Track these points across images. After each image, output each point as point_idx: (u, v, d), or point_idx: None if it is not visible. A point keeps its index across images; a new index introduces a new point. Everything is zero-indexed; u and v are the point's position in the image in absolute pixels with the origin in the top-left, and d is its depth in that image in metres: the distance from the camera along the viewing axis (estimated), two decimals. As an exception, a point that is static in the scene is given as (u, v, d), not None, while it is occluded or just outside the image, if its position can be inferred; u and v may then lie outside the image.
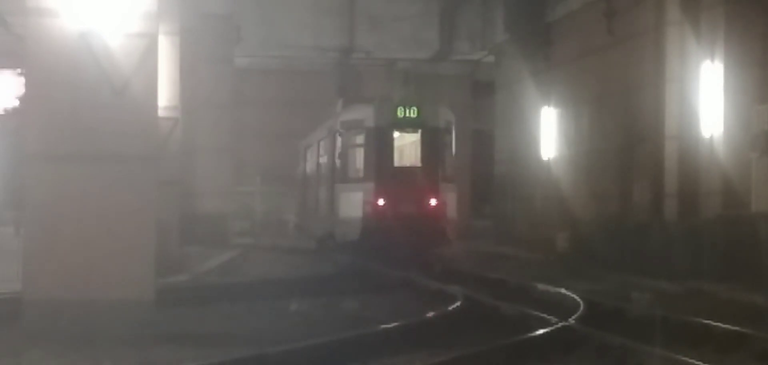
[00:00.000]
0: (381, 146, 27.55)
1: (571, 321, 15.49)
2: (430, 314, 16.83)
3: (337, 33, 41.53)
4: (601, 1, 29.55)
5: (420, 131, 27.77)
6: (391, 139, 27.77)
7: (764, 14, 23.23)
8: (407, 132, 28.11)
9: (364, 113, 28.31)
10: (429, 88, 48.47)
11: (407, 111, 27.70)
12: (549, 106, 34.25)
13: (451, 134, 28.62)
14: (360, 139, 28.26)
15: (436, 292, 20.78)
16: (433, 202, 27.14)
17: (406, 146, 28.80)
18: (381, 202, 27.03)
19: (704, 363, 12.15)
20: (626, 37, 28.25)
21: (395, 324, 15.17)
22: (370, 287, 22.52)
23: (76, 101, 14.11)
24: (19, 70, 34.13)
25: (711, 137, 24.38)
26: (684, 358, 12.33)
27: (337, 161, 28.98)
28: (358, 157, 28.48)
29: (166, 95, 21.72)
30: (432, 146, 27.63)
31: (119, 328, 13.84)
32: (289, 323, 16.83)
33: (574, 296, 18.70)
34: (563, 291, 19.76)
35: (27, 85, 14.63)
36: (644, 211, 26.60)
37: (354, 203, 27.67)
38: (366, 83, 50.19)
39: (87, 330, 13.74)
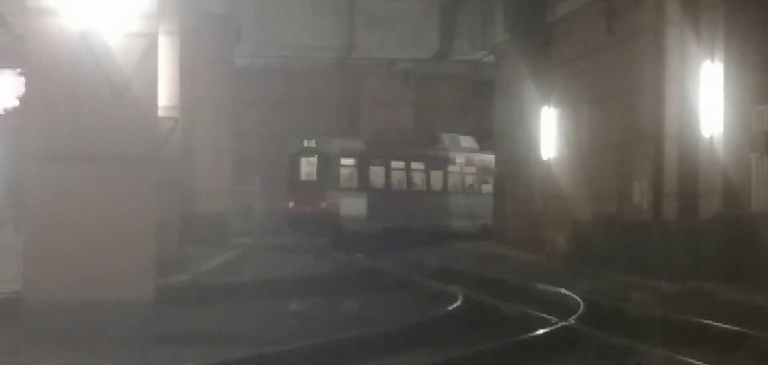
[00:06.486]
0: (292, 167, 39.48)
1: (571, 320, 15.51)
2: (430, 314, 16.83)
3: (337, 33, 41.48)
4: (601, 1, 29.53)
5: (316, 156, 38.85)
6: (298, 161, 39.36)
7: (764, 14, 23.20)
8: (309, 157, 39.16)
9: (290, 144, 40.09)
10: (429, 88, 48.51)
11: (308, 142, 39.21)
12: (549, 106, 34.24)
13: (347, 157, 39.26)
14: (288, 161, 39.94)
15: (437, 292, 20.79)
16: (322, 204, 38.14)
17: (310, 167, 39.55)
18: (291, 204, 39.07)
19: (704, 363, 12.15)
20: (626, 37, 28.23)
21: (395, 324, 15.16)
22: (370, 287, 22.54)
23: (76, 101, 14.10)
24: (19, 70, 34.11)
25: (711, 137, 24.38)
26: (684, 358, 12.34)
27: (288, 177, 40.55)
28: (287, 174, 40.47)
29: (166, 95, 21.73)
30: (325, 166, 38.66)
31: (119, 328, 13.84)
32: (289, 323, 16.84)
33: (574, 296, 18.71)
34: (563, 290, 19.77)
35: (27, 85, 14.61)
36: (644, 211, 26.58)
37: (286, 205, 39.78)
38: (366, 83, 50.21)
39: (87, 330, 13.74)
